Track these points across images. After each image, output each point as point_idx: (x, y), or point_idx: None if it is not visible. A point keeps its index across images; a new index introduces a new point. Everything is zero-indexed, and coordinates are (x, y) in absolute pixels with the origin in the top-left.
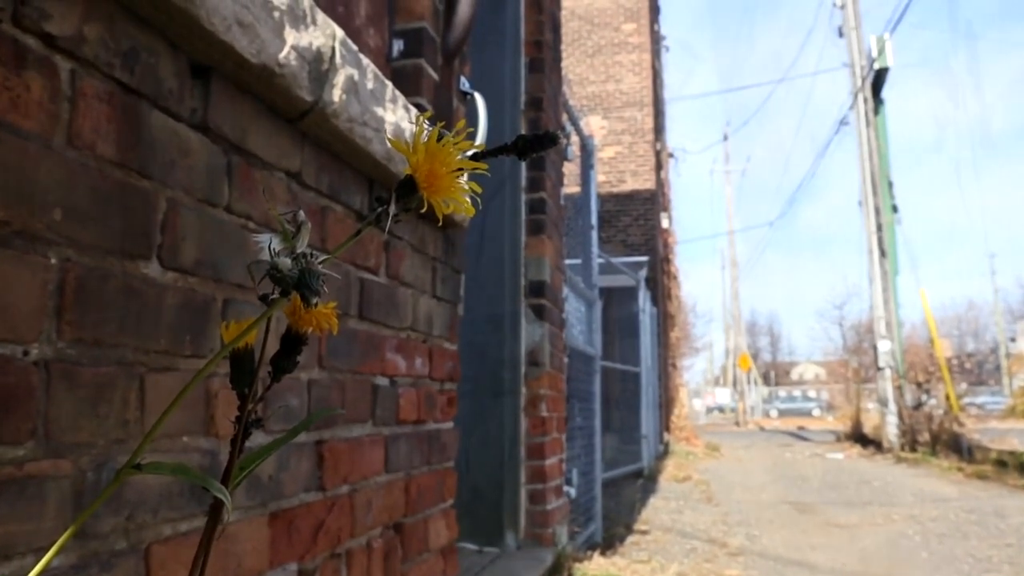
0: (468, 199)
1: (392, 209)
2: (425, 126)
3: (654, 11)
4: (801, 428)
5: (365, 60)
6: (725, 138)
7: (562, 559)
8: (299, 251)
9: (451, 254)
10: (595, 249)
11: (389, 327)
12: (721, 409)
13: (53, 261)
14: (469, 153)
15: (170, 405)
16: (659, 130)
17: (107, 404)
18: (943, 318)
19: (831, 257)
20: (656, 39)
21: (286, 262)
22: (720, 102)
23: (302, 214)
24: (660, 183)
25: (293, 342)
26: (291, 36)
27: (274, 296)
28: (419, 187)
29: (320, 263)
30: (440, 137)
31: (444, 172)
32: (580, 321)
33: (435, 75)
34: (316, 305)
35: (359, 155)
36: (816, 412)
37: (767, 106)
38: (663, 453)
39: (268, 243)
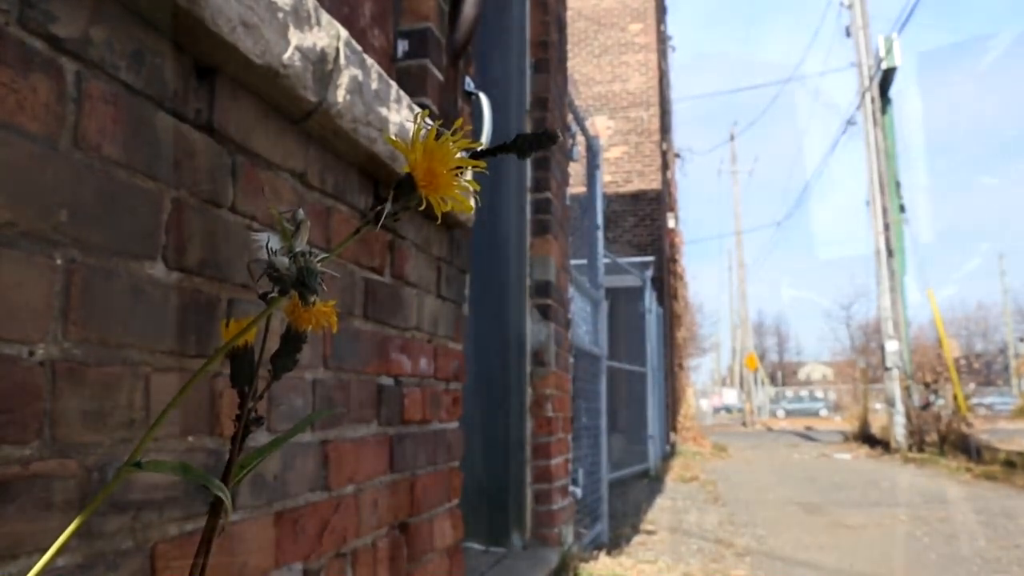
0: (468, 197)
1: (390, 207)
2: (424, 124)
3: (660, 11)
4: (808, 428)
5: (369, 60)
6: (732, 138)
7: (568, 559)
8: (297, 250)
9: (456, 254)
10: (601, 249)
11: (394, 327)
12: (728, 409)
13: (59, 262)
14: (469, 151)
15: (170, 403)
16: (665, 130)
17: (112, 404)
18: (951, 318)
19: (839, 257)
20: (662, 39)
21: (284, 261)
22: (727, 102)
23: (301, 212)
24: (666, 183)
25: (293, 340)
26: (295, 37)
27: (273, 295)
28: (418, 185)
29: (319, 261)
30: (439, 135)
31: (443, 170)
32: (586, 321)
33: (440, 76)
34: (314, 303)
35: (363, 155)
36: (823, 412)
37: (774, 106)
38: (670, 453)
39: (267, 241)
